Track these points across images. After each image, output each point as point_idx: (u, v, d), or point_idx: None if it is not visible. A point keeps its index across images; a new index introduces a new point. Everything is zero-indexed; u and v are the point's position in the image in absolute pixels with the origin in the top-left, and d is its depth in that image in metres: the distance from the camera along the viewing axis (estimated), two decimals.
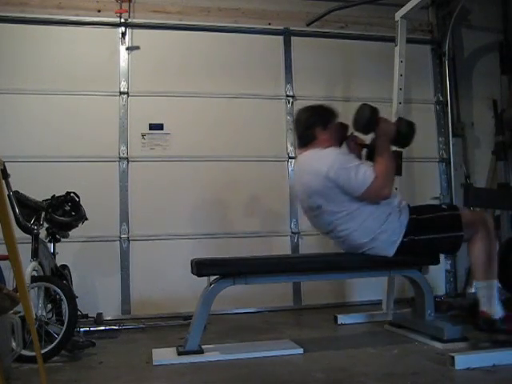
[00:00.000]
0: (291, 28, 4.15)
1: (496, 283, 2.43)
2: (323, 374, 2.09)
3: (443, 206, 2.66)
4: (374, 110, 2.53)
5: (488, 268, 2.43)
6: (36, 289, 2.50)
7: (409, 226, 2.49)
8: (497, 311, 2.37)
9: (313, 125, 2.61)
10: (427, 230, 2.50)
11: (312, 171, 2.50)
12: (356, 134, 2.71)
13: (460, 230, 2.49)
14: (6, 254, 1.68)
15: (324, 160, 2.47)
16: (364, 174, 2.41)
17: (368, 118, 2.52)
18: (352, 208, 2.46)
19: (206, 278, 2.45)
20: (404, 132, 2.57)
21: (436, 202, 4.19)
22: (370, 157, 2.66)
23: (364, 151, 2.76)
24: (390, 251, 2.49)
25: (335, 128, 2.64)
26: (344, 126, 2.70)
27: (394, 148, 2.76)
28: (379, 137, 2.55)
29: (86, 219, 2.97)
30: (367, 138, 2.70)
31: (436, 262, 2.67)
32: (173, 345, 2.54)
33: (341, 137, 2.73)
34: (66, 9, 3.80)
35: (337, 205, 2.47)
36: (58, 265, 2.97)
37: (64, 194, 2.92)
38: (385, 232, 2.47)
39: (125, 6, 3.81)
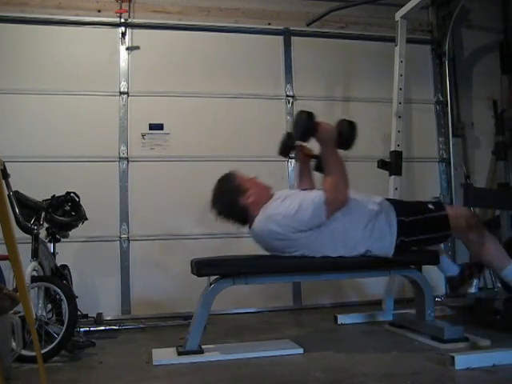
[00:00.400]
0: (291, 28, 4.15)
1: None
2: (323, 373, 2.09)
3: (430, 206, 2.60)
4: (311, 116, 2.37)
5: (503, 254, 2.49)
6: (36, 289, 2.49)
7: (398, 227, 2.47)
8: None
9: (234, 201, 2.46)
10: (416, 232, 2.50)
11: (274, 237, 2.41)
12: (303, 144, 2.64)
13: (448, 230, 2.52)
14: (6, 254, 1.68)
15: (273, 222, 2.38)
16: (313, 202, 2.34)
17: (304, 125, 2.38)
18: (327, 231, 2.41)
19: (205, 278, 2.45)
20: (346, 133, 2.42)
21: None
22: (319, 167, 2.60)
23: (313, 162, 2.73)
24: (389, 253, 2.48)
25: (253, 180, 2.53)
26: (292, 137, 2.63)
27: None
28: (320, 143, 2.44)
29: (86, 219, 2.97)
30: (315, 148, 2.61)
31: (436, 261, 2.67)
32: (173, 345, 2.53)
33: (289, 147, 2.69)
34: (65, 9, 3.80)
35: (316, 240, 2.42)
36: (58, 265, 2.96)
37: (64, 194, 2.92)
38: (377, 241, 2.45)
39: (125, 5, 3.81)
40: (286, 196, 2.46)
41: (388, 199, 2.67)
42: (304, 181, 2.79)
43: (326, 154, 2.43)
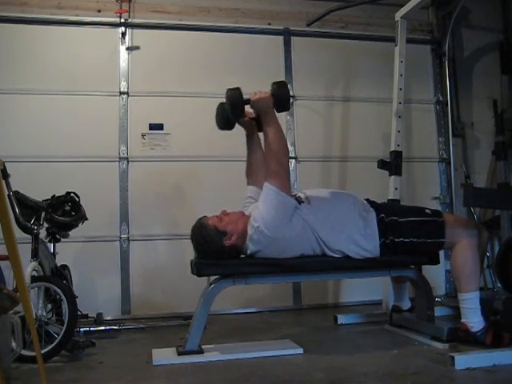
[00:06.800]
0: (291, 28, 4.16)
1: (478, 294, 2.40)
2: (323, 373, 2.09)
3: (427, 211, 2.58)
4: (236, 90, 2.38)
5: (471, 280, 2.40)
6: (36, 289, 2.49)
7: (387, 226, 2.46)
8: (477, 323, 2.35)
9: (221, 248, 2.40)
10: (408, 233, 2.47)
11: (269, 246, 2.39)
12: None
13: (442, 237, 2.47)
14: (6, 253, 1.68)
15: (260, 234, 2.36)
16: (266, 197, 2.34)
17: (234, 100, 2.38)
18: (306, 228, 2.40)
19: (205, 278, 2.45)
20: (280, 94, 2.41)
21: (436, 202, 4.20)
22: (260, 126, 2.55)
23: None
24: (373, 252, 2.47)
25: (225, 216, 2.46)
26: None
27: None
28: (259, 111, 2.44)
29: (86, 219, 2.97)
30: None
31: (436, 261, 2.67)
32: (173, 345, 2.53)
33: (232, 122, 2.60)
34: (65, 9, 3.80)
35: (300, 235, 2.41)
36: (58, 265, 2.96)
37: (64, 193, 2.92)
38: (351, 241, 2.44)
39: (125, 6, 3.82)
40: (253, 209, 2.47)
41: (372, 201, 2.63)
42: (254, 151, 2.69)
43: (265, 122, 2.42)
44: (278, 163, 2.36)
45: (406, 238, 2.47)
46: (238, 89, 2.42)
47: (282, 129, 2.47)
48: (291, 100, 4.08)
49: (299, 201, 2.47)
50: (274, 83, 2.45)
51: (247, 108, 2.49)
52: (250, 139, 2.69)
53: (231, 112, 2.47)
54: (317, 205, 2.47)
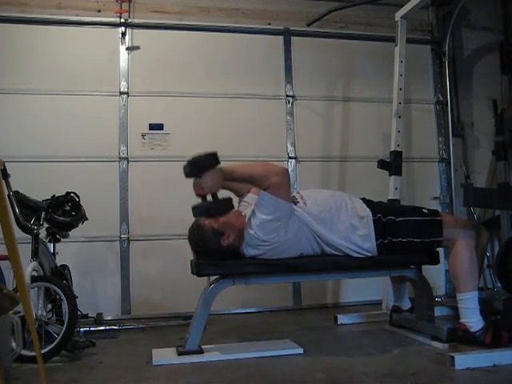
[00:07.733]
0: (291, 28, 4.15)
1: (477, 294, 2.40)
2: (323, 373, 2.09)
3: (424, 211, 2.57)
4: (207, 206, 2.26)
5: (469, 280, 2.41)
6: (36, 289, 2.50)
7: (384, 227, 2.46)
8: (476, 323, 2.35)
9: (218, 248, 2.40)
10: (406, 233, 2.47)
11: (266, 248, 2.40)
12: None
13: (440, 236, 2.47)
14: (6, 254, 1.68)
15: (257, 240, 2.36)
16: (263, 204, 2.31)
17: (207, 208, 2.26)
18: (298, 230, 2.40)
19: (205, 278, 2.45)
20: (196, 169, 2.38)
21: (436, 202, 4.21)
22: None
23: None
24: (373, 253, 2.48)
25: (220, 218, 2.39)
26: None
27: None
28: (226, 180, 2.43)
29: (86, 219, 2.97)
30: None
31: (436, 261, 2.67)
32: (173, 345, 2.54)
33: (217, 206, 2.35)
34: (65, 9, 3.80)
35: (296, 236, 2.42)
36: (58, 265, 2.96)
37: (64, 193, 2.92)
38: (347, 240, 2.45)
39: (125, 5, 3.82)
40: (249, 212, 2.46)
41: (369, 200, 2.62)
42: (241, 188, 2.71)
43: (236, 177, 2.45)
44: (276, 176, 2.31)
45: (404, 237, 2.47)
46: (195, 208, 2.25)
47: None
48: (291, 100, 4.08)
49: (295, 201, 2.48)
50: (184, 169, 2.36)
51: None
52: (232, 188, 2.70)
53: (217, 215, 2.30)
54: (312, 206, 2.47)
